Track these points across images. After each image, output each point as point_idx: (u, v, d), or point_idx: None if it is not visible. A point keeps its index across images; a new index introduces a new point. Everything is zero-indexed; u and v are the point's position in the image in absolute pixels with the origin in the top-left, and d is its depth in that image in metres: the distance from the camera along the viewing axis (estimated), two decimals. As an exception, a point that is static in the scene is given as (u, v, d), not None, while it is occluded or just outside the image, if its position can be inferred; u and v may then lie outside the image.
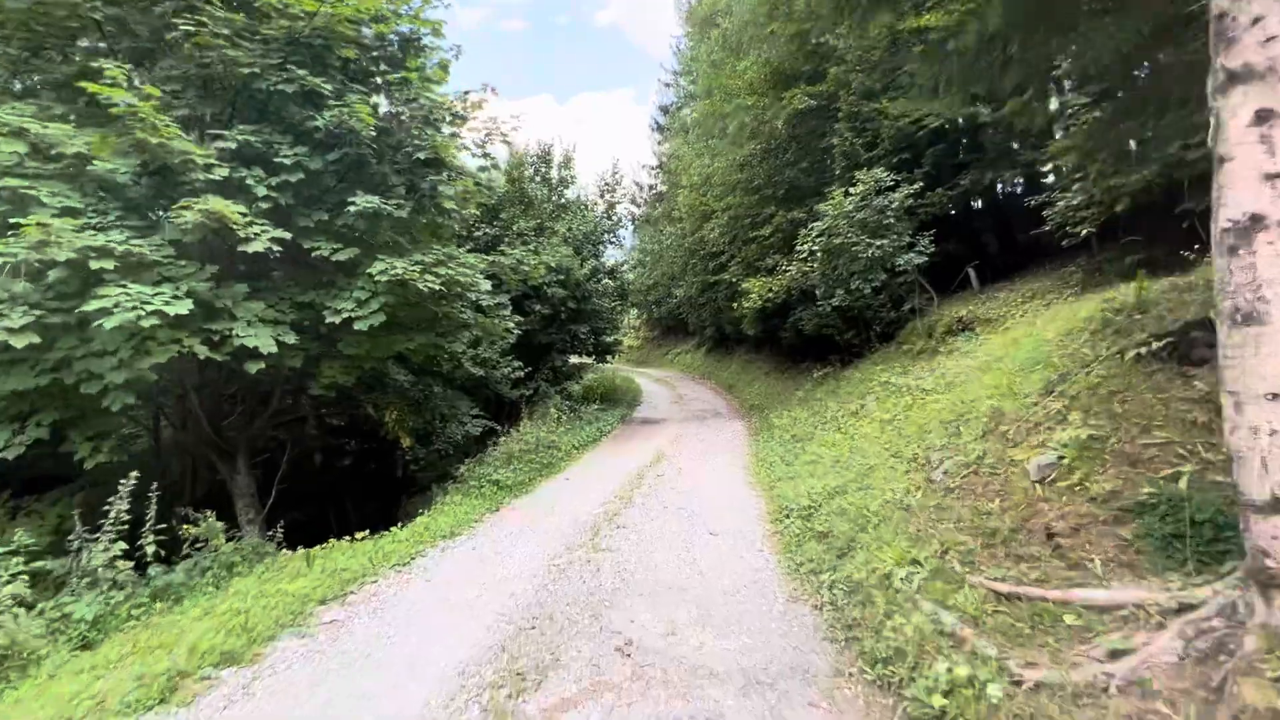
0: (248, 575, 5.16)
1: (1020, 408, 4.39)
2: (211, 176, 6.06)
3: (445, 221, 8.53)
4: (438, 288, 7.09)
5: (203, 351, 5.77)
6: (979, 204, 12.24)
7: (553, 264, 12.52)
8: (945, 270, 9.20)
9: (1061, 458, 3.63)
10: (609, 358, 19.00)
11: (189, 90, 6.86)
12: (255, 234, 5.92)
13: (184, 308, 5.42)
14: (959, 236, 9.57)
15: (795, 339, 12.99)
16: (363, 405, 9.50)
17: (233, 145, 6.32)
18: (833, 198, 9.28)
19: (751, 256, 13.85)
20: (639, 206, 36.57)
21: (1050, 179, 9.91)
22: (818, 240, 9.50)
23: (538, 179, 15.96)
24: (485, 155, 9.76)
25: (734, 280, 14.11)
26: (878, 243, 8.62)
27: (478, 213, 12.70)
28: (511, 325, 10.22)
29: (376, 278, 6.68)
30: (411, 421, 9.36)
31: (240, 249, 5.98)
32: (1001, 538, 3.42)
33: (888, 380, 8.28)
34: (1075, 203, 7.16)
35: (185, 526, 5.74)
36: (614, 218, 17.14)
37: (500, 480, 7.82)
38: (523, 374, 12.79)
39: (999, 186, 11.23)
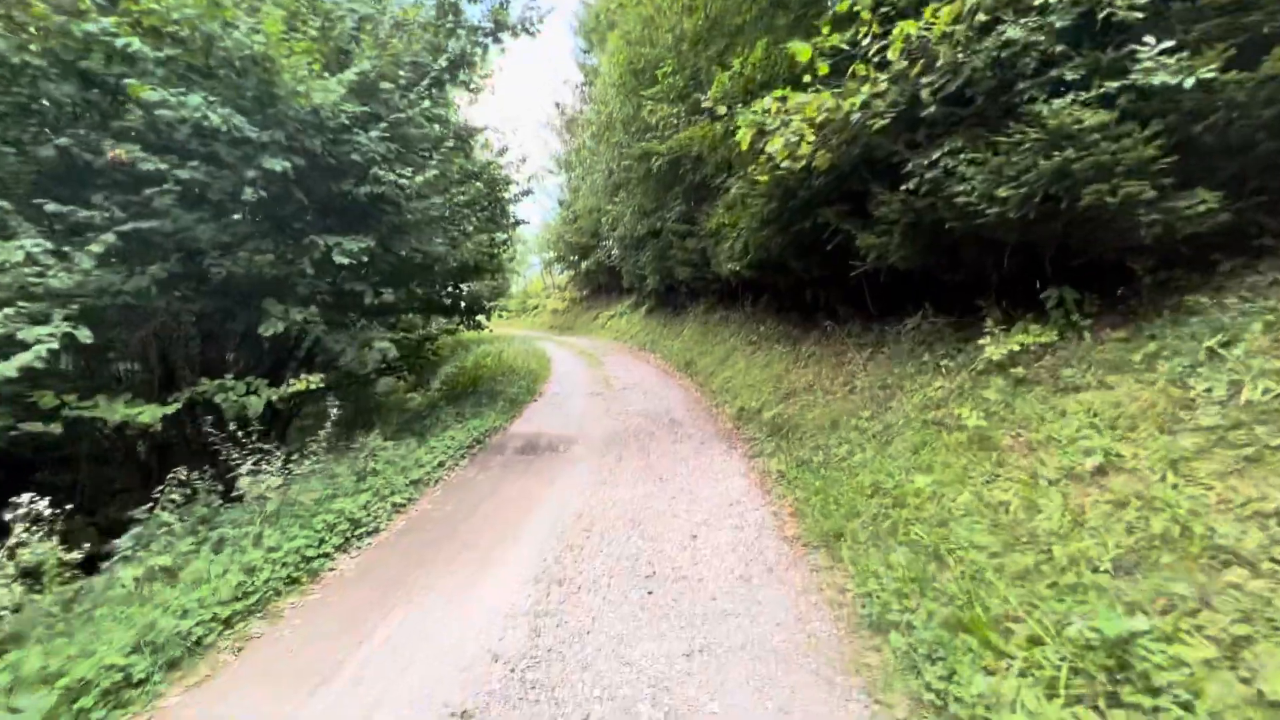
0: None
1: None
2: None
3: None
4: None
5: None
6: None
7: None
8: None
9: None
10: (482, 320, 10.81)
11: None
12: None
13: None
14: None
15: (906, 254, 4.75)
16: None
17: None
18: None
19: (753, 59, 5.73)
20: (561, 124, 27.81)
21: None
22: None
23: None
24: None
25: (725, 120, 5.83)
26: None
27: None
28: None
29: None
30: None
31: None
32: None
33: None
34: None
35: None
36: (465, 38, 8.36)
37: None
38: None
39: None
